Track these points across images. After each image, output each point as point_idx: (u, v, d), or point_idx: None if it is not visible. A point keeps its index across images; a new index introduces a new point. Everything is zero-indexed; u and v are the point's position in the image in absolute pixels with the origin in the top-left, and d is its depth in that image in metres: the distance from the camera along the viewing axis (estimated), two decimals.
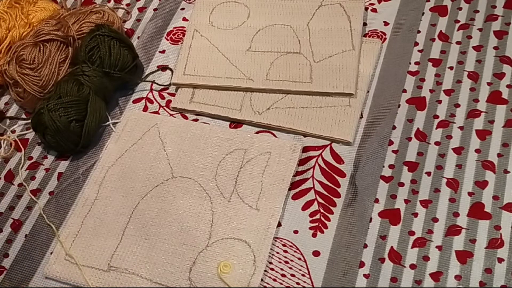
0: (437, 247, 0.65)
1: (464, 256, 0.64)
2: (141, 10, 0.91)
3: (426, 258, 0.64)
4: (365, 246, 0.66)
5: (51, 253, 0.68)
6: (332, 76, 0.77)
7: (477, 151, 0.71)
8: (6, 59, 0.79)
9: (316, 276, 0.64)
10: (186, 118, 0.78)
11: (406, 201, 0.68)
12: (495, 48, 0.79)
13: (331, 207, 0.68)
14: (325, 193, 0.70)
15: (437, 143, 0.72)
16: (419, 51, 0.80)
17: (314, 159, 0.72)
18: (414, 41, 0.81)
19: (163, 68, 0.83)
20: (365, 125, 0.74)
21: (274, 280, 0.64)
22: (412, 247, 0.65)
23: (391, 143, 0.72)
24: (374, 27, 0.83)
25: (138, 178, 0.72)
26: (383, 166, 0.71)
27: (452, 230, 0.66)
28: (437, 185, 0.69)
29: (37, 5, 0.86)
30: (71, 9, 0.89)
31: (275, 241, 0.66)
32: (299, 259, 0.65)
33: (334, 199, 0.69)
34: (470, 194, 0.68)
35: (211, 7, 0.87)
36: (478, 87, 0.76)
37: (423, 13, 0.83)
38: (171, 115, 0.78)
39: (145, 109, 0.79)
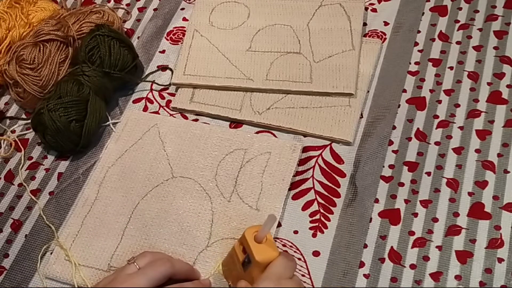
0: (437, 247, 0.65)
1: (464, 256, 0.64)
2: (141, 10, 0.91)
3: (426, 258, 0.64)
4: (365, 246, 0.65)
5: (51, 253, 0.68)
6: (332, 76, 0.77)
7: (477, 151, 0.71)
8: (6, 59, 0.79)
9: (316, 276, 0.64)
10: (186, 118, 0.78)
11: (406, 201, 0.68)
12: (495, 48, 0.78)
13: (331, 207, 0.68)
14: (325, 193, 0.70)
15: (437, 143, 0.72)
16: (419, 51, 0.80)
17: (314, 159, 0.72)
18: (414, 41, 0.81)
19: (163, 68, 0.83)
20: (365, 125, 0.74)
21: None
22: (412, 247, 0.65)
23: (391, 143, 0.72)
24: (374, 27, 0.83)
25: (138, 178, 0.72)
26: (383, 166, 0.71)
27: (452, 230, 0.66)
28: (437, 185, 0.69)
29: (37, 5, 0.86)
30: (71, 9, 0.89)
31: (275, 241, 0.66)
32: (299, 259, 0.65)
33: (334, 199, 0.69)
34: (470, 194, 0.68)
35: (211, 7, 0.87)
36: (478, 87, 0.76)
37: (423, 13, 0.83)
38: (171, 115, 0.78)
39: (145, 109, 0.79)
